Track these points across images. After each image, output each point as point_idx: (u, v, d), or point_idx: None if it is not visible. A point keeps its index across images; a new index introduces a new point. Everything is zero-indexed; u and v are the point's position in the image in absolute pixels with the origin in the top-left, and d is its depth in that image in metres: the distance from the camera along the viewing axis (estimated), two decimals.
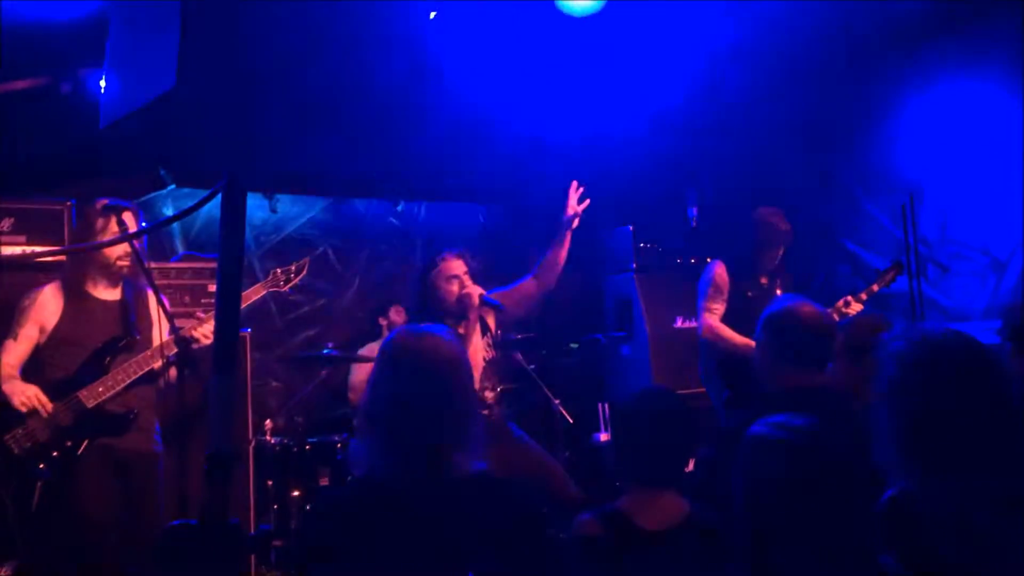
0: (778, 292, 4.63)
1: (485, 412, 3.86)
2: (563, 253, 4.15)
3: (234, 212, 1.34)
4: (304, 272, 3.97)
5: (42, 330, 3.47)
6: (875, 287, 4.68)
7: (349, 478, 4.92)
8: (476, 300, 3.87)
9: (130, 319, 3.55)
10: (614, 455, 2.38)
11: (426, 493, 1.95)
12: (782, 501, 1.67)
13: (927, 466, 1.75)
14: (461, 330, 3.82)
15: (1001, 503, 1.70)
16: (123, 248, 3.52)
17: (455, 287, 3.90)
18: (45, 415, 3.31)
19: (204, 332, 3.50)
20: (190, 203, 1.56)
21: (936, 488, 1.74)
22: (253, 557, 4.32)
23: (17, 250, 4.02)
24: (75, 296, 3.53)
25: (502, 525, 1.97)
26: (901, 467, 1.79)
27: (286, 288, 3.93)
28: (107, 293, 3.59)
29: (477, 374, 3.77)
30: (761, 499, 1.70)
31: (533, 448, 4.01)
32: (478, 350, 3.94)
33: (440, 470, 1.97)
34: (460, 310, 3.86)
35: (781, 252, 4.67)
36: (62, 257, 3.68)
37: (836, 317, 4.52)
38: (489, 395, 3.92)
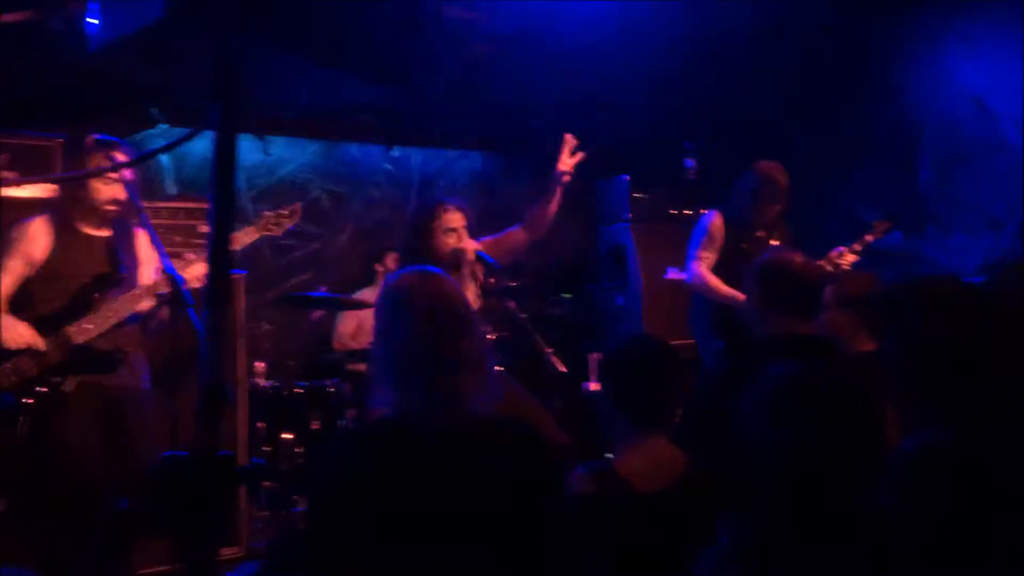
0: (772, 244, 4.62)
1: None
2: (553, 206, 4.12)
3: (226, 146, 1.32)
4: (297, 217, 3.92)
5: (30, 263, 3.44)
6: (869, 238, 4.68)
7: (342, 422, 4.97)
8: (471, 256, 3.85)
9: (119, 256, 3.52)
10: (605, 403, 2.38)
11: (452, 435, 1.93)
12: (809, 441, 1.67)
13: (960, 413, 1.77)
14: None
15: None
16: (112, 192, 3.48)
17: (451, 240, 3.86)
18: (39, 352, 3.30)
19: (193, 274, 3.47)
20: (178, 138, 1.53)
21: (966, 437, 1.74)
22: (244, 497, 4.35)
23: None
24: (64, 231, 3.49)
25: (527, 473, 1.96)
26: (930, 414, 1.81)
27: (279, 232, 3.89)
28: (97, 230, 3.56)
29: None
30: (787, 441, 1.69)
31: (526, 395, 4.02)
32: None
33: (462, 412, 1.95)
34: (453, 263, 3.82)
35: (780, 206, 4.66)
36: (53, 193, 3.63)
37: (830, 268, 4.53)
38: None
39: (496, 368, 4.15)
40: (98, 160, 3.44)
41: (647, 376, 2.29)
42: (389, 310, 2.05)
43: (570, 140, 4.04)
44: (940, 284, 2.03)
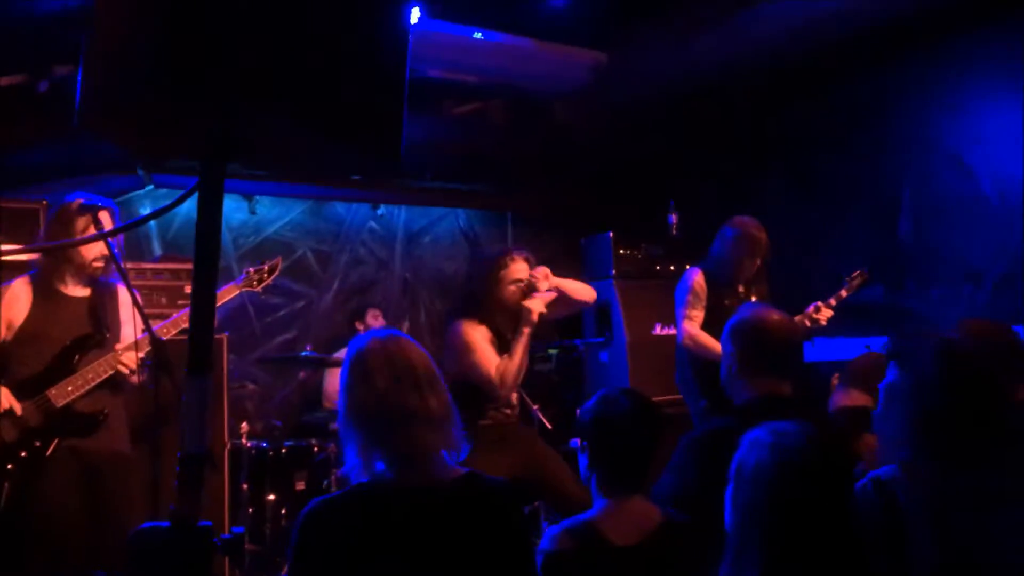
0: (752, 300, 4.64)
1: (508, 412, 3.88)
2: (523, 357, 3.81)
3: (211, 206, 1.33)
4: (277, 272, 3.93)
5: (9, 326, 3.42)
6: (844, 292, 4.70)
7: (329, 479, 4.91)
8: (536, 317, 3.78)
9: (100, 317, 3.51)
10: (580, 461, 2.37)
11: (416, 496, 1.96)
12: (787, 503, 1.68)
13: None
14: (509, 335, 3.79)
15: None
16: (99, 249, 3.48)
17: (516, 291, 3.82)
18: (16, 416, 3.26)
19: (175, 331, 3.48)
20: (168, 203, 1.54)
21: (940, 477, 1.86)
22: (227, 561, 4.28)
23: None
24: (45, 293, 3.48)
25: (492, 527, 2.01)
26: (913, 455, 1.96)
27: (259, 288, 3.89)
28: (77, 290, 3.55)
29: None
30: (766, 501, 1.71)
31: (551, 451, 4.01)
32: None
33: (427, 472, 2.00)
34: (516, 317, 3.78)
35: (759, 261, 4.69)
36: (36, 256, 3.62)
37: (807, 324, 4.55)
38: (514, 396, 3.91)
39: (538, 417, 4.16)
40: (84, 223, 3.45)
41: (621, 437, 2.28)
42: (351, 372, 2.08)
43: (546, 274, 3.94)
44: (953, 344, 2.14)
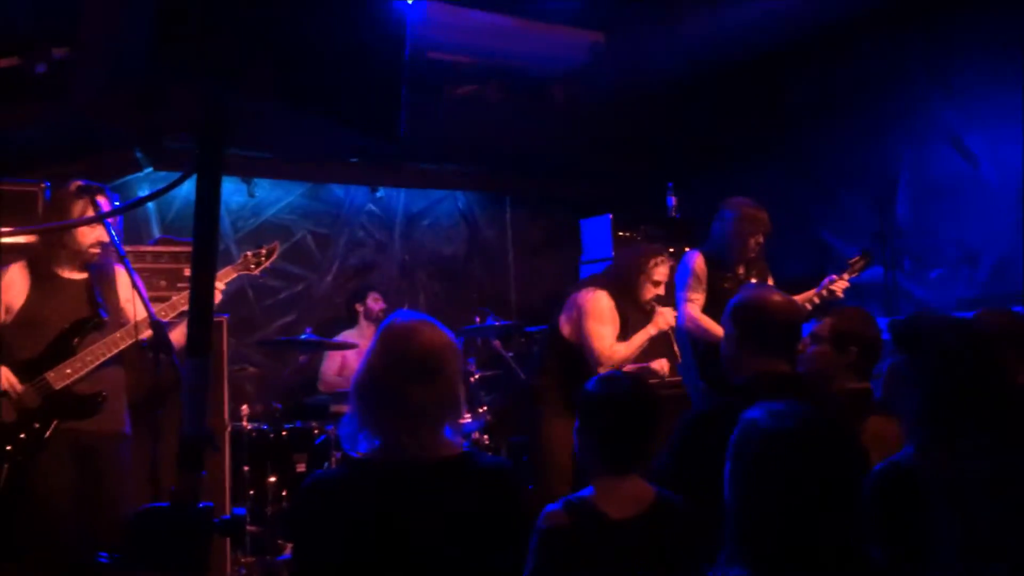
0: (753, 281, 4.64)
1: None
2: (635, 351, 4.20)
3: (209, 188, 1.33)
4: (275, 255, 3.94)
5: (8, 310, 3.43)
6: (846, 276, 4.70)
7: (329, 461, 4.93)
8: (664, 326, 4.11)
9: (98, 299, 3.51)
10: (578, 443, 2.39)
11: (417, 472, 2.04)
12: (786, 486, 1.69)
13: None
14: (628, 324, 4.03)
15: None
16: (96, 235, 3.48)
17: (654, 291, 4.09)
18: (15, 396, 3.27)
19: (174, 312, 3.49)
20: (166, 185, 1.54)
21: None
22: (228, 542, 4.30)
23: None
24: (42, 276, 3.48)
25: (488, 505, 2.07)
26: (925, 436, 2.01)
27: (257, 271, 3.89)
28: (74, 273, 3.55)
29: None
30: (763, 484, 1.72)
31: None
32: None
33: (428, 452, 2.06)
34: (647, 315, 4.06)
35: (759, 242, 4.68)
36: (33, 238, 3.62)
37: (816, 300, 4.56)
38: None
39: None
40: (81, 206, 3.44)
41: (618, 417, 2.29)
42: (372, 350, 2.15)
43: None
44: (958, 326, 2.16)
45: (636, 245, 4.37)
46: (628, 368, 4.08)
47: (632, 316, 4.11)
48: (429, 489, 2.03)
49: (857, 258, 4.74)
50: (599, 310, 3.97)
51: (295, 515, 1.99)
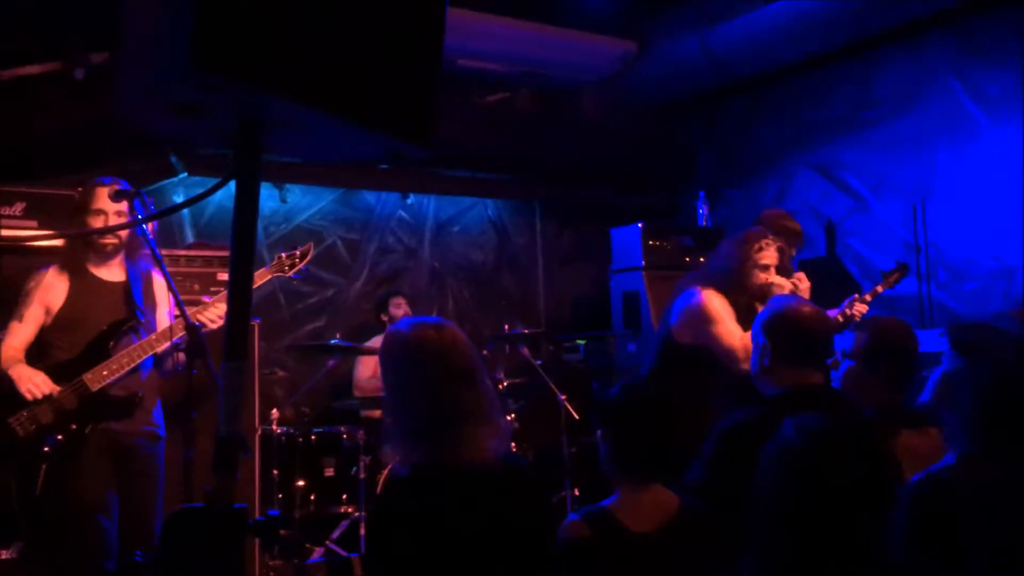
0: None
1: None
2: None
3: (247, 194, 1.34)
4: (308, 258, 3.94)
5: (47, 311, 3.48)
6: (879, 288, 4.65)
7: (358, 466, 4.96)
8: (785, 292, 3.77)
9: (135, 301, 3.56)
10: (600, 450, 2.37)
11: (470, 477, 2.03)
12: (816, 498, 1.68)
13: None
14: (742, 314, 3.78)
15: None
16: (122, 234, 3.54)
17: (763, 276, 3.81)
18: (53, 398, 3.32)
19: (210, 316, 3.52)
20: (201, 191, 1.56)
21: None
22: (257, 546, 4.33)
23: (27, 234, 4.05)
24: (79, 277, 3.53)
25: (533, 510, 2.10)
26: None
27: (290, 273, 3.90)
28: (111, 274, 3.60)
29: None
30: (797, 498, 1.71)
31: None
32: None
33: (472, 460, 2.05)
34: (760, 296, 3.75)
35: (790, 253, 4.65)
36: (63, 242, 3.68)
37: (840, 319, 4.51)
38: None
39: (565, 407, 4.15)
40: (117, 209, 3.49)
41: (641, 426, 2.28)
42: (401, 361, 2.12)
43: None
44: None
45: (736, 234, 4.09)
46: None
47: (741, 306, 3.87)
48: (483, 493, 2.03)
49: (892, 271, 4.69)
50: (709, 313, 3.72)
51: (376, 523, 2.02)
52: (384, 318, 6.17)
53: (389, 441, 2.12)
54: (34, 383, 3.31)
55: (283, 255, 3.89)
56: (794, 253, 4.62)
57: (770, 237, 3.89)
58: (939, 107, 5.62)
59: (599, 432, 2.37)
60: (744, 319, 3.73)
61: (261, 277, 3.78)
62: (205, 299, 3.65)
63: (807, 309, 2.67)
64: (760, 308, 3.78)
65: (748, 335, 3.64)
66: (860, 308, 4.52)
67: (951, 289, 5.50)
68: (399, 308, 6.16)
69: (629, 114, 6.61)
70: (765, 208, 4.69)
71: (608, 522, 2.20)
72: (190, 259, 4.62)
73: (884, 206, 5.92)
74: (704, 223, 6.59)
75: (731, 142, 6.84)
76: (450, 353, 2.08)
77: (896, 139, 5.85)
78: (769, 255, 3.84)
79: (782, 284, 3.80)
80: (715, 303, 3.75)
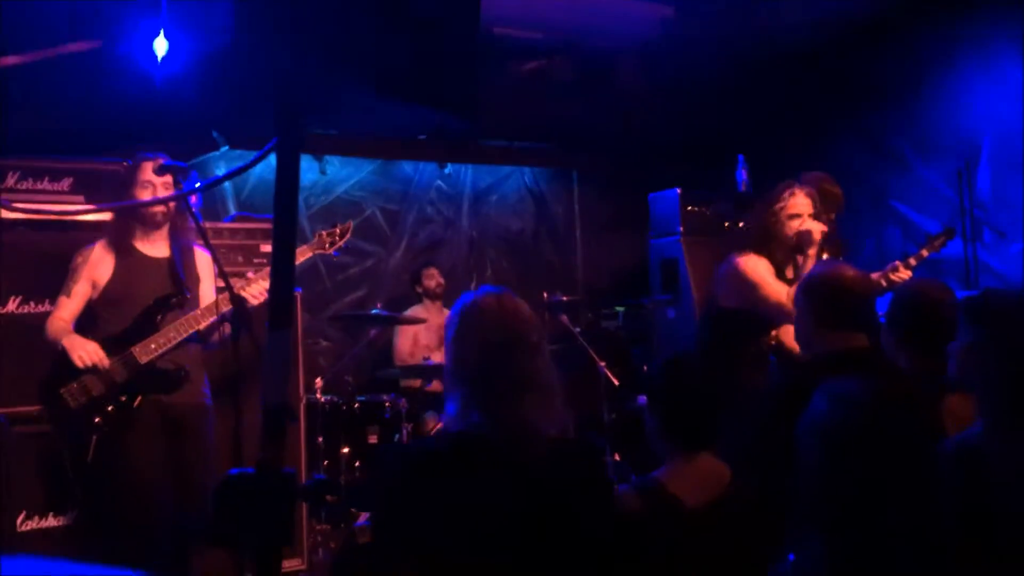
0: (825, 256, 4.55)
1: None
2: None
3: (288, 168, 1.36)
4: (348, 235, 4.00)
5: (95, 286, 3.56)
6: (925, 252, 4.57)
7: (400, 433, 5.03)
8: (818, 236, 3.79)
9: (180, 276, 3.63)
10: (650, 422, 2.38)
11: (512, 449, 1.96)
12: (860, 460, 1.68)
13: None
14: (785, 269, 3.82)
15: None
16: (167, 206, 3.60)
17: (795, 224, 3.82)
18: (103, 370, 3.41)
19: (253, 292, 3.58)
20: (242, 164, 1.59)
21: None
22: (304, 510, 4.42)
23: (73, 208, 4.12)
24: (125, 253, 3.61)
25: (584, 486, 2.02)
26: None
27: (331, 251, 3.96)
28: (155, 250, 3.66)
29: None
30: (843, 458, 1.71)
31: None
32: None
33: (525, 429, 1.99)
34: (797, 246, 3.81)
35: (832, 217, 4.59)
36: (110, 216, 3.75)
37: (884, 283, 4.45)
38: None
39: (605, 374, 4.07)
40: (163, 183, 3.56)
41: (691, 397, 2.28)
42: (463, 327, 2.09)
43: None
44: None
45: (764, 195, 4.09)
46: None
47: (779, 261, 3.85)
48: (543, 463, 1.96)
49: (939, 234, 4.62)
50: (749, 278, 3.75)
51: (386, 485, 1.95)
52: (419, 289, 6.21)
53: (443, 409, 2.09)
54: (86, 350, 3.40)
55: (323, 232, 3.95)
56: (833, 217, 4.56)
57: (796, 186, 3.88)
58: (986, 68, 5.49)
59: (646, 405, 2.37)
60: (785, 274, 3.75)
61: (302, 254, 3.84)
62: (249, 274, 3.71)
63: (849, 272, 2.66)
64: (800, 260, 3.81)
65: (794, 289, 3.64)
66: (903, 273, 4.46)
67: (997, 251, 5.41)
68: (432, 279, 6.20)
69: (667, 80, 6.53)
70: (802, 173, 4.61)
71: (661, 496, 2.19)
72: (233, 232, 4.69)
73: (930, 169, 5.82)
74: (743, 189, 6.52)
75: (770, 106, 6.74)
76: (510, 321, 2.03)
77: (943, 101, 5.73)
78: (796, 203, 3.84)
79: (814, 228, 3.78)
80: (752, 264, 3.78)
